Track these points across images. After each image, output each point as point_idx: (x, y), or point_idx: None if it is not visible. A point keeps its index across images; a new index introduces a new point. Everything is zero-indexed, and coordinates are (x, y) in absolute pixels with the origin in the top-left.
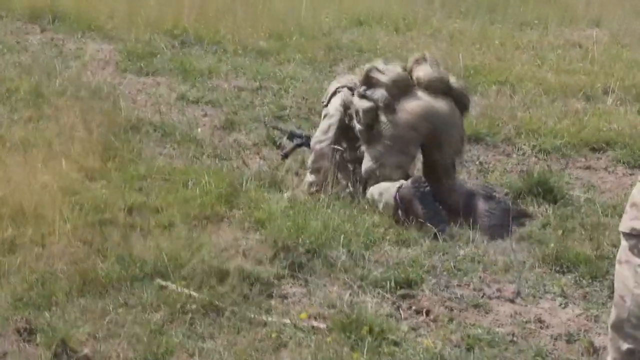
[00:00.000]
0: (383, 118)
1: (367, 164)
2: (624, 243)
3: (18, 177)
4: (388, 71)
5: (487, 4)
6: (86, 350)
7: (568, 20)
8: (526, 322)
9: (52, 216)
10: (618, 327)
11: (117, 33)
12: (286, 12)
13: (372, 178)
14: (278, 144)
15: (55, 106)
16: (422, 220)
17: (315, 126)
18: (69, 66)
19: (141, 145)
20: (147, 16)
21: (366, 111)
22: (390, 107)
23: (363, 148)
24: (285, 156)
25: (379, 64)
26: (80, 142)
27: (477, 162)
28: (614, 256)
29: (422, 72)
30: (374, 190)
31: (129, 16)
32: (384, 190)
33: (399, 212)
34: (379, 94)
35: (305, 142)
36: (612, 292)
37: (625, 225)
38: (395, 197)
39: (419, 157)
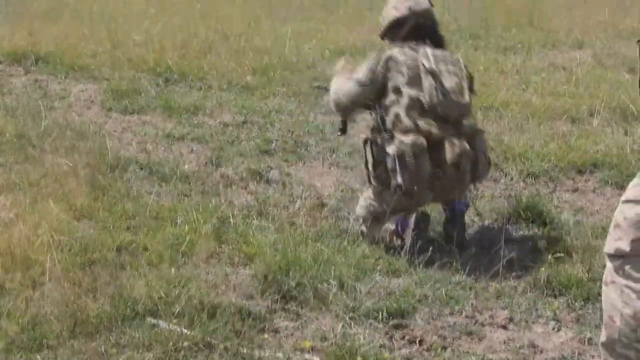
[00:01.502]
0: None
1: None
2: (609, 264)
3: (6, 220)
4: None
5: (470, 31)
6: None
7: (551, 43)
8: (520, 348)
9: (42, 258)
10: (609, 348)
11: (101, 72)
12: (269, 46)
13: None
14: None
15: (41, 148)
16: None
17: (301, 159)
18: (54, 107)
19: (128, 183)
20: (130, 55)
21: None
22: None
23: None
24: (343, 131)
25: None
26: (67, 183)
27: None
28: None
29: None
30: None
31: (112, 55)
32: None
33: (396, 238)
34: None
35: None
36: None
37: (609, 246)
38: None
39: None
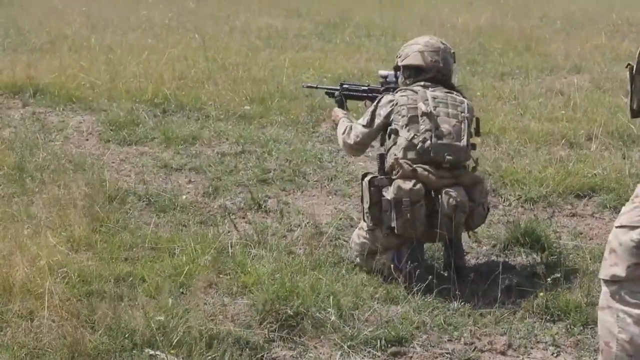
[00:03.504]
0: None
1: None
2: (604, 289)
3: (4, 252)
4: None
5: (467, 56)
6: None
7: (549, 68)
8: None
9: (40, 290)
10: None
11: (99, 104)
12: (267, 76)
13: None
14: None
15: (40, 180)
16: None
17: (299, 188)
18: (52, 139)
19: (126, 215)
20: (127, 86)
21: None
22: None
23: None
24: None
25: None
26: (65, 214)
27: None
28: None
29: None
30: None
31: (110, 87)
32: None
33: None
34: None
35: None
36: None
37: (605, 272)
38: (394, 260)
39: None
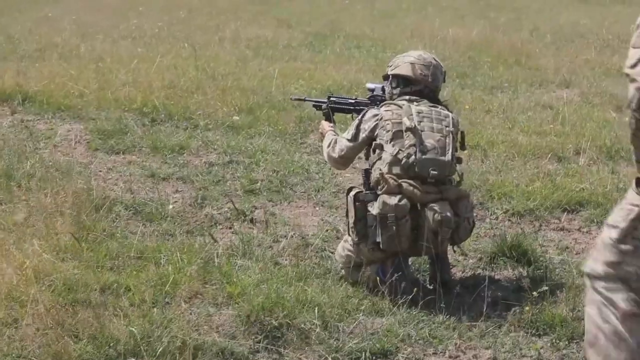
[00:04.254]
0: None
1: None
2: (587, 283)
3: None
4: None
5: (457, 69)
6: None
7: (538, 82)
8: None
9: (25, 298)
10: None
11: (88, 112)
12: (256, 86)
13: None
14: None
15: (26, 188)
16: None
17: (286, 198)
18: (40, 147)
19: (113, 224)
20: (116, 95)
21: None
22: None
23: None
24: None
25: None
26: (52, 223)
27: None
28: None
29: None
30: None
31: (99, 95)
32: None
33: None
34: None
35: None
36: None
37: (587, 265)
38: (378, 274)
39: None
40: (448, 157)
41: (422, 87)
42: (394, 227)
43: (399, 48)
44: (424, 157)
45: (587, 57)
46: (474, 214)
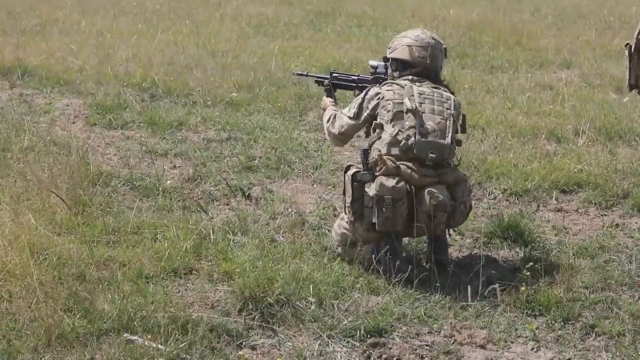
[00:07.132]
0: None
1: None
2: None
3: None
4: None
5: (457, 49)
6: None
7: (539, 63)
8: None
9: (19, 272)
10: None
11: (87, 87)
12: (256, 63)
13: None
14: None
15: (24, 162)
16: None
17: (284, 176)
18: (38, 121)
19: (110, 198)
20: (116, 70)
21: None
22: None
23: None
24: None
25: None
26: (48, 197)
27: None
28: (586, 298)
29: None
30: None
31: (99, 70)
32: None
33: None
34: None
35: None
36: (584, 335)
37: None
38: (373, 253)
39: None
40: (448, 140)
41: (421, 68)
42: (390, 209)
43: (399, 27)
44: (423, 139)
45: (588, 38)
46: (471, 197)
